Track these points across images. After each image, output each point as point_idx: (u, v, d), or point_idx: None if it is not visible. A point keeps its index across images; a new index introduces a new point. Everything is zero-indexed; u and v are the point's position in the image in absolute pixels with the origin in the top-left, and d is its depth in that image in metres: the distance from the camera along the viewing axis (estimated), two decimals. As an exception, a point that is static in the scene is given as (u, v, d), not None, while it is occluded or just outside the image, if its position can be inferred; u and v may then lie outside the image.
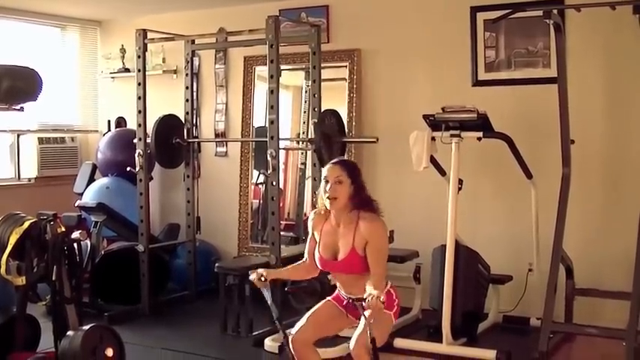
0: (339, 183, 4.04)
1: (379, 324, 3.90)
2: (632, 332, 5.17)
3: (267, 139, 6.15)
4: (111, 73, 8.53)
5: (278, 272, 4.36)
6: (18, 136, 8.01)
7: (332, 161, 4.25)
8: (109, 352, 4.34)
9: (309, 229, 4.30)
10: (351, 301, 4.14)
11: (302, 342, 4.14)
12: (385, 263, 4.04)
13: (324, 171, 4.15)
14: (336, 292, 4.28)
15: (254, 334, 5.92)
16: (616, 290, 5.79)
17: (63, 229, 4.51)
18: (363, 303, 3.78)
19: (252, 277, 4.18)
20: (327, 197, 4.05)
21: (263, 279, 4.15)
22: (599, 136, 6.17)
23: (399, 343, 5.60)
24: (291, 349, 4.16)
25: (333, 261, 4.11)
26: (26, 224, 4.49)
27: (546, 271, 5.64)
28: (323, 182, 4.10)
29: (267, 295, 4.19)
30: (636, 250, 5.32)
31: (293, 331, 4.18)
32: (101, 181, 7.85)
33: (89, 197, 7.56)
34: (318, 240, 4.20)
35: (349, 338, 5.07)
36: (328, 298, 4.29)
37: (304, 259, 4.33)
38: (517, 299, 6.34)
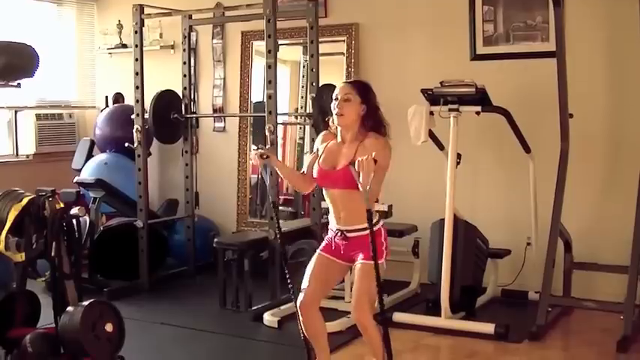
0: (347, 101, 4.06)
1: (369, 276, 3.93)
2: (629, 306, 5.20)
3: (265, 114, 6.14)
4: (108, 48, 8.49)
5: (278, 161, 4.35)
6: (15, 112, 7.98)
7: (344, 80, 4.28)
8: (109, 327, 4.35)
9: (316, 145, 4.31)
10: (340, 234, 4.13)
11: (310, 303, 4.16)
12: (381, 183, 4.02)
13: (336, 90, 4.17)
14: (325, 241, 4.27)
15: (253, 308, 5.93)
16: (614, 264, 5.81)
17: (62, 205, 4.50)
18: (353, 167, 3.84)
19: (254, 152, 4.22)
20: (335, 114, 4.07)
21: (265, 155, 4.18)
22: (598, 110, 6.16)
23: (398, 317, 5.62)
24: (299, 316, 4.19)
25: (332, 170, 4.11)
26: (25, 201, 4.48)
27: (545, 246, 5.67)
28: (333, 101, 4.11)
29: (266, 176, 4.27)
30: (634, 224, 5.34)
31: (299, 297, 4.18)
32: (99, 157, 7.83)
33: (87, 173, 7.55)
34: (319, 154, 4.21)
35: (348, 312, 5.11)
36: (317, 251, 4.27)
37: (302, 171, 4.36)
38: (515, 273, 6.37)
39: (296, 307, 4.25)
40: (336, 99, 4.10)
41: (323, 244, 4.28)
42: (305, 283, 4.19)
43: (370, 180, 3.79)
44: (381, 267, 4.06)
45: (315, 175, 4.20)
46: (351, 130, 4.10)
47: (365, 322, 4.04)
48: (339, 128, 4.14)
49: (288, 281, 4.33)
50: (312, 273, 4.21)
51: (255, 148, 4.28)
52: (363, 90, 4.13)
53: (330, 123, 4.22)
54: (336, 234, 4.16)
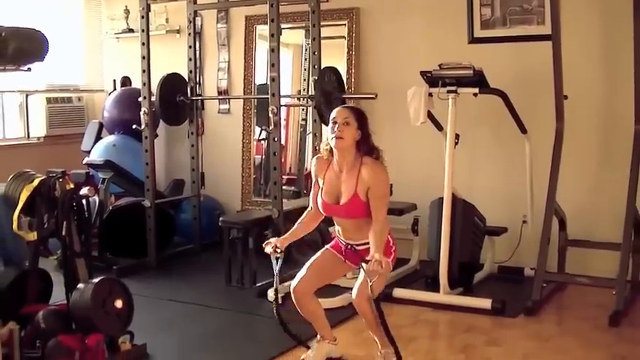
0: (346, 124, 4.03)
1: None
2: (621, 282, 5.22)
3: (269, 96, 6.14)
4: (115, 33, 8.47)
5: (289, 236, 4.32)
6: (27, 96, 7.98)
7: (340, 106, 4.28)
8: (118, 303, 4.37)
9: (313, 176, 4.29)
10: (349, 247, 4.17)
11: (302, 291, 4.19)
12: (386, 209, 4.04)
13: (333, 113, 4.13)
14: (334, 240, 4.31)
15: (257, 285, 5.95)
16: (607, 241, 5.82)
17: (72, 185, 4.50)
18: (364, 265, 3.82)
19: (268, 249, 4.17)
20: (334, 137, 4.04)
21: (279, 250, 4.15)
22: (592, 92, 6.15)
23: (398, 293, 5.64)
24: (293, 299, 4.21)
25: (336, 205, 4.12)
26: (36, 182, 4.49)
27: (540, 224, 5.68)
28: (330, 124, 4.08)
29: (275, 265, 4.17)
30: (626, 203, 5.35)
31: (293, 281, 4.21)
32: (108, 139, 7.84)
33: (96, 155, 7.56)
34: (321, 186, 4.20)
35: (350, 289, 5.13)
36: (327, 246, 4.32)
37: (309, 208, 4.34)
38: (512, 250, 6.38)
39: (275, 299, 4.27)
40: (335, 122, 4.06)
41: (333, 242, 4.30)
42: (302, 273, 4.21)
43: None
44: (388, 265, 4.08)
45: (320, 207, 4.20)
46: (348, 154, 4.07)
47: (364, 308, 4.08)
48: (334, 153, 4.12)
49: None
50: (313, 263, 4.24)
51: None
52: (359, 116, 4.10)
53: (322, 146, 4.21)
54: (346, 247, 4.20)
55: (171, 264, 6.92)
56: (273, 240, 4.21)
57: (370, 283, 3.82)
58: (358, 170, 4.04)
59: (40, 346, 4.18)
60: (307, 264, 4.24)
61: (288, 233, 4.29)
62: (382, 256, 3.80)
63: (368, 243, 3.98)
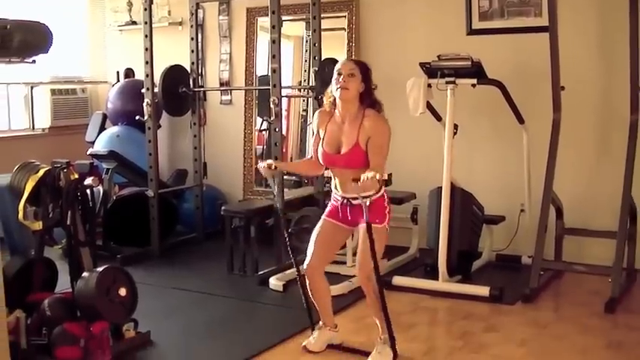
0: (351, 76, 4.07)
1: (376, 235, 3.99)
2: (617, 269, 5.23)
3: (270, 88, 6.13)
4: (119, 26, 8.46)
5: (285, 164, 4.37)
6: (31, 88, 7.98)
7: (345, 58, 4.29)
8: (122, 291, 4.38)
9: (314, 128, 4.32)
10: (345, 201, 4.17)
11: (314, 266, 4.25)
12: (384, 159, 4.06)
13: (338, 65, 4.16)
14: (329, 206, 4.31)
15: (259, 273, 5.95)
16: (603, 230, 5.83)
17: (76, 176, 4.51)
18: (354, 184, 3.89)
19: (261, 165, 4.28)
20: (339, 88, 4.07)
21: (273, 166, 4.26)
22: (589, 83, 6.15)
23: (397, 280, 5.65)
24: (306, 278, 4.27)
25: (336, 154, 4.14)
26: (41, 172, 4.50)
27: (537, 212, 5.69)
28: (335, 75, 4.11)
29: (273, 185, 4.30)
30: (622, 191, 5.36)
31: (305, 261, 4.25)
32: (111, 130, 7.84)
33: (100, 145, 7.57)
34: (322, 136, 4.22)
35: (351, 276, 5.15)
36: (323, 217, 4.32)
37: (310, 157, 4.39)
38: (509, 238, 6.39)
39: (297, 274, 4.31)
40: (340, 74, 4.10)
41: (328, 209, 4.32)
42: (310, 249, 4.25)
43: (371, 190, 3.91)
44: (384, 230, 4.12)
45: (320, 158, 4.23)
46: (351, 105, 4.10)
47: (367, 282, 4.11)
48: (337, 105, 4.15)
49: (289, 251, 4.44)
50: (318, 239, 4.26)
51: (262, 165, 4.30)
52: (364, 68, 4.15)
53: (325, 100, 4.24)
54: (341, 201, 4.20)
55: (175, 253, 6.94)
56: (269, 160, 4.31)
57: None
58: (360, 121, 4.07)
59: (46, 333, 4.19)
60: (312, 239, 4.27)
61: (285, 162, 4.33)
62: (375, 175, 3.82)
63: (365, 197, 4.01)
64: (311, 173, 4.44)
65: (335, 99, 4.15)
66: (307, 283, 4.30)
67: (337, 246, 4.49)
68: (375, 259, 3.98)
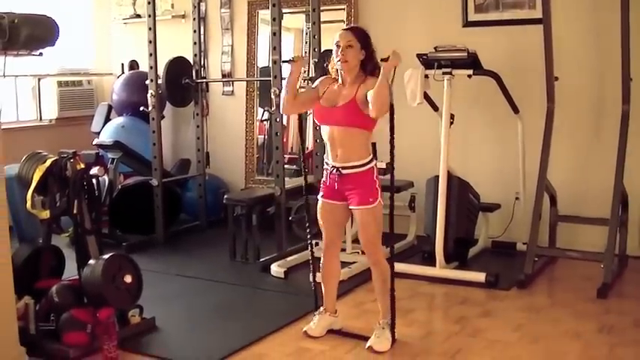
0: (349, 47, 4.06)
1: (372, 217, 4.07)
2: (609, 255, 5.24)
3: (271, 79, 6.14)
4: (123, 19, 8.45)
5: (298, 74, 4.27)
6: (39, 80, 7.97)
7: (343, 28, 4.29)
8: (128, 278, 4.38)
9: (315, 84, 4.32)
10: (336, 171, 4.15)
11: (332, 246, 4.33)
12: (390, 93, 4.02)
13: (336, 37, 4.14)
14: (322, 185, 4.30)
15: (261, 260, 5.97)
16: (595, 217, 5.83)
17: (82, 165, 4.51)
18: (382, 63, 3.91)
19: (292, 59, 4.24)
20: (339, 60, 4.08)
21: (294, 60, 4.22)
22: (582, 74, 6.14)
23: (396, 267, 5.57)
24: (322, 257, 4.35)
25: (332, 108, 4.13)
26: (48, 162, 4.50)
27: (532, 200, 5.69)
28: (335, 47, 4.11)
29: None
30: (614, 179, 5.36)
31: (322, 242, 4.33)
32: (117, 121, 7.84)
33: (106, 136, 7.57)
34: (321, 94, 4.20)
35: (351, 263, 5.16)
36: (320, 198, 4.31)
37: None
38: (505, 226, 6.40)
39: (311, 253, 4.36)
40: (338, 46, 4.09)
41: (322, 189, 4.30)
42: (323, 230, 4.30)
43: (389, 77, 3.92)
44: (380, 205, 4.16)
45: (316, 114, 4.24)
46: (353, 73, 4.10)
47: (378, 260, 4.23)
48: (339, 72, 4.14)
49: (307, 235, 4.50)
50: (323, 221, 4.29)
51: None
52: (362, 36, 4.14)
53: (330, 68, 4.23)
54: (331, 171, 4.18)
55: (178, 240, 6.95)
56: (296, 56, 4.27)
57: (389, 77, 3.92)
58: (360, 83, 4.07)
59: (54, 319, 4.21)
60: (320, 222, 4.31)
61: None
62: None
63: (354, 167, 4.05)
64: (288, 100, 4.21)
65: (337, 70, 4.15)
66: (322, 263, 4.34)
67: (343, 221, 4.42)
68: (392, 244, 4.10)
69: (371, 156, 4.14)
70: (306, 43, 7.40)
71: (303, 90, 4.42)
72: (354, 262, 5.62)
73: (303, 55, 6.54)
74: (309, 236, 4.54)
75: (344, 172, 4.12)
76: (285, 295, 5.27)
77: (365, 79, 4.08)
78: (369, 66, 4.11)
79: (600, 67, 6.08)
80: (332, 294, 4.45)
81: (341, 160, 4.12)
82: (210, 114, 7.88)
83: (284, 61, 4.43)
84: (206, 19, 7.95)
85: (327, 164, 4.22)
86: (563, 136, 5.99)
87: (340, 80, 4.17)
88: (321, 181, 4.32)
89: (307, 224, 4.53)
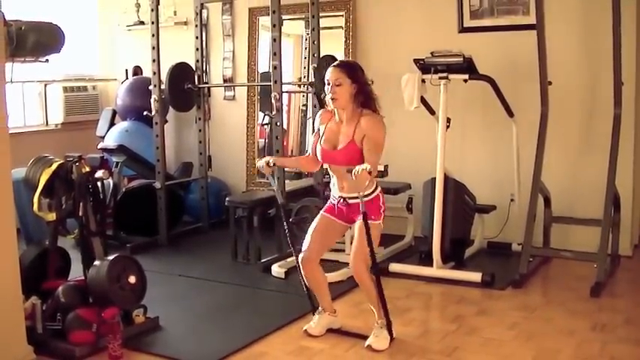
0: (338, 85, 4.07)
1: (369, 228, 4.02)
2: (602, 255, 5.24)
3: (271, 84, 6.14)
4: (127, 25, 8.44)
5: (284, 160, 4.37)
6: (45, 85, 7.98)
7: (333, 64, 4.26)
8: (132, 279, 4.39)
9: (317, 125, 4.33)
10: (342, 200, 4.19)
11: (309, 257, 4.27)
12: (378, 157, 4.05)
13: (327, 74, 4.14)
14: (328, 203, 4.34)
15: (262, 261, 5.97)
16: (589, 218, 5.84)
17: (87, 169, 4.51)
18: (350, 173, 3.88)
19: (260, 163, 4.29)
20: (330, 98, 4.09)
21: (272, 163, 4.28)
22: (575, 78, 6.15)
23: (394, 267, 5.66)
24: (301, 268, 4.30)
25: (333, 150, 4.15)
26: (54, 165, 4.50)
27: (526, 201, 5.70)
28: (326, 84, 4.12)
29: (273, 181, 4.31)
30: (607, 181, 5.37)
31: (302, 252, 4.29)
32: (121, 125, 7.84)
33: (110, 140, 7.56)
34: (321, 134, 4.24)
35: (348, 264, 5.14)
36: (321, 212, 4.35)
37: (308, 153, 4.40)
38: (500, 227, 6.40)
39: (297, 262, 4.34)
40: (329, 84, 4.10)
41: (326, 206, 4.34)
42: (307, 242, 4.27)
43: (365, 186, 3.93)
44: (379, 226, 4.15)
45: (318, 155, 4.24)
46: (347, 108, 4.11)
47: (360, 273, 4.14)
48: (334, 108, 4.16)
49: (289, 242, 4.50)
50: (314, 232, 4.29)
51: (261, 164, 4.31)
52: (351, 71, 4.12)
53: (327, 100, 4.22)
54: (339, 201, 4.22)
55: (181, 242, 6.95)
56: (267, 157, 4.34)
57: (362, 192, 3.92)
58: (357, 121, 4.07)
59: (61, 318, 4.21)
60: (309, 232, 4.30)
61: (283, 158, 4.32)
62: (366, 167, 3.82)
63: (361, 197, 4.02)
64: (308, 169, 4.43)
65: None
66: (304, 276, 4.34)
67: (332, 240, 4.48)
68: (373, 253, 4.03)
69: (375, 185, 4.16)
70: (305, 48, 7.40)
71: (312, 139, 4.41)
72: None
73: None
74: (289, 241, 4.57)
75: (351, 202, 4.16)
76: (286, 295, 5.27)
77: (360, 115, 4.08)
78: (361, 98, 4.10)
79: (592, 72, 6.10)
80: (326, 297, 4.45)
81: (347, 191, 4.17)
82: (212, 118, 7.89)
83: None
84: (208, 26, 7.95)
85: (334, 197, 4.27)
86: (557, 139, 6.00)
87: (337, 116, 4.18)
88: (328, 202, 4.35)
89: (286, 231, 4.53)
